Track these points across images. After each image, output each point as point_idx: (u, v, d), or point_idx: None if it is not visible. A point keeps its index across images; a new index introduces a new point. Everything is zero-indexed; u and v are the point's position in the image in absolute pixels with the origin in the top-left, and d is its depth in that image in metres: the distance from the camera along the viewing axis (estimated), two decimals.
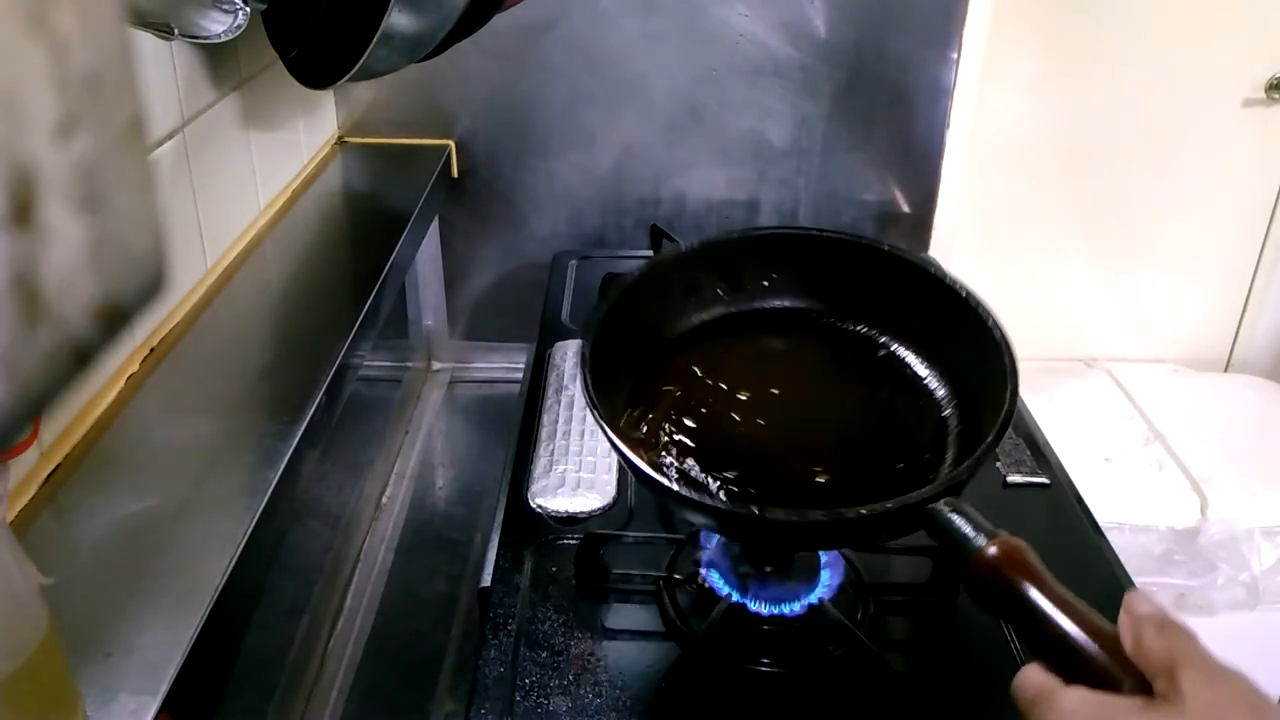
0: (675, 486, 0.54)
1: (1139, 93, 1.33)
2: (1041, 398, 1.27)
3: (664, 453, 0.61)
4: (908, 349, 0.66)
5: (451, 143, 1.19)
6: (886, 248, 0.67)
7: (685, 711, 0.60)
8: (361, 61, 0.71)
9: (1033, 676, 0.43)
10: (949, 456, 0.59)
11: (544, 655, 0.63)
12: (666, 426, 0.62)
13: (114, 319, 0.20)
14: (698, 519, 0.59)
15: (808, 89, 1.17)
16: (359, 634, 0.90)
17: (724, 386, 0.65)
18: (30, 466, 0.59)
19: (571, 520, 0.74)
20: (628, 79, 1.16)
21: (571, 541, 0.71)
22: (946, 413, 0.62)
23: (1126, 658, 0.42)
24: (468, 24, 0.77)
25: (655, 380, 0.65)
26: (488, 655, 0.62)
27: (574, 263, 1.15)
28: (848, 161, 1.21)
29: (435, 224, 1.22)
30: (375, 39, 0.69)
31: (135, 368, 0.71)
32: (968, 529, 0.48)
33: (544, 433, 0.82)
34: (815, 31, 1.14)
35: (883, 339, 0.67)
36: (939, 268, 0.65)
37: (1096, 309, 1.47)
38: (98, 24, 0.18)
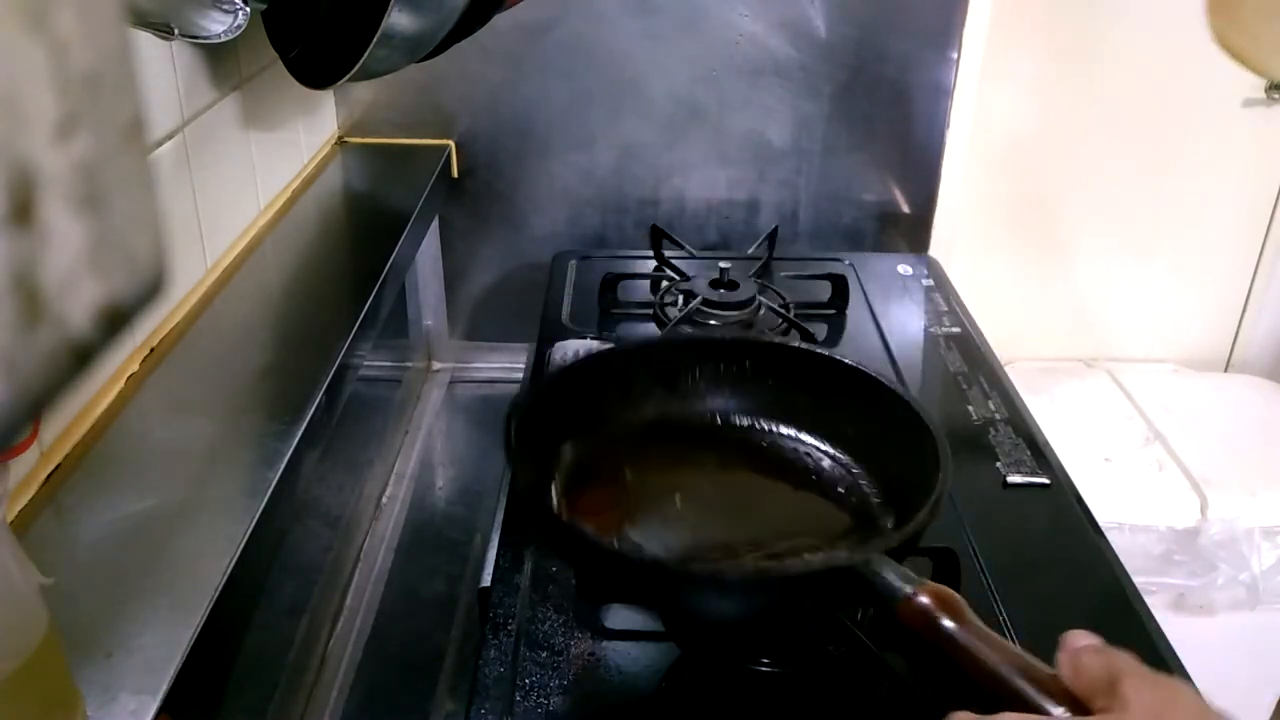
0: (595, 539, 0.54)
1: (1139, 93, 1.33)
2: (1041, 398, 1.27)
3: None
4: (837, 448, 0.66)
5: (451, 143, 1.19)
6: (820, 353, 0.68)
7: (685, 711, 0.60)
8: (361, 61, 0.71)
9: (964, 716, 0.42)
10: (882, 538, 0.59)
11: (544, 655, 0.63)
12: (591, 522, 0.61)
13: (114, 319, 0.20)
14: (616, 583, 0.58)
15: (808, 89, 1.17)
16: (359, 634, 0.90)
17: (652, 484, 0.64)
18: (30, 466, 0.59)
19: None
20: (628, 79, 1.16)
21: None
22: (876, 502, 0.63)
23: (1061, 689, 0.41)
24: (468, 24, 0.77)
25: (582, 475, 0.64)
26: (488, 655, 0.62)
27: (574, 263, 1.15)
28: (848, 161, 1.21)
29: (435, 224, 1.22)
30: (375, 39, 0.69)
31: (135, 368, 0.71)
32: (896, 580, 0.48)
33: None
34: (815, 31, 1.14)
35: (810, 438, 0.67)
36: (868, 368, 0.66)
37: (1096, 309, 1.47)
38: (98, 24, 0.18)
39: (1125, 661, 0.41)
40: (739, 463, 0.67)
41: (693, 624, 0.59)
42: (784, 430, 0.68)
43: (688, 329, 0.96)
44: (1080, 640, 0.43)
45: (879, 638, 0.63)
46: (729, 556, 0.59)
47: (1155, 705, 0.38)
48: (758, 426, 0.68)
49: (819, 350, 0.69)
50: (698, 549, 0.60)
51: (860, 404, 0.65)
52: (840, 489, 0.64)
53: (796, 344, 0.70)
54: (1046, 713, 0.41)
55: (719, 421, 0.68)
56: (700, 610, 0.57)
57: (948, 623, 0.45)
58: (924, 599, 0.46)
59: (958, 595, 0.47)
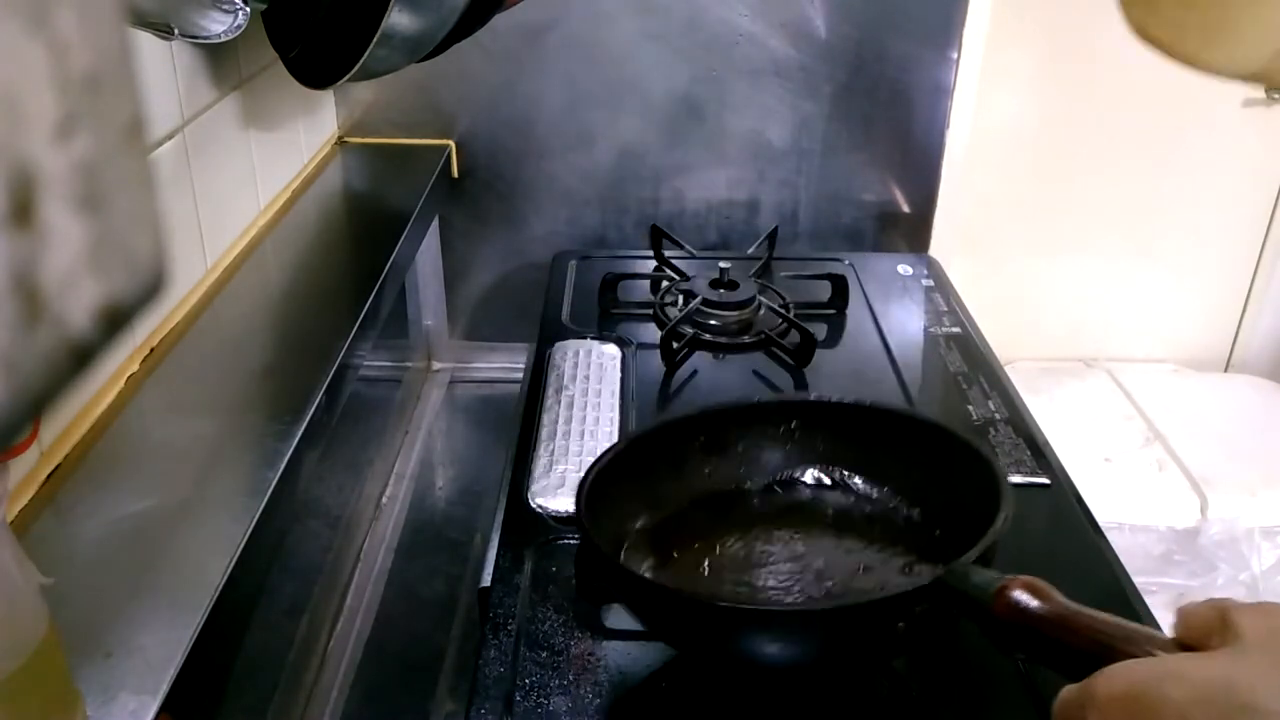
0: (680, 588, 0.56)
1: (1139, 92, 1.33)
2: (1041, 398, 1.28)
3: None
4: (890, 490, 0.68)
5: (451, 143, 1.19)
6: (873, 406, 0.70)
7: (685, 711, 0.60)
8: (361, 61, 0.71)
9: (1068, 689, 0.42)
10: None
11: (544, 655, 0.63)
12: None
13: (114, 319, 0.20)
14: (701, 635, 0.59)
15: (808, 89, 1.17)
16: (359, 634, 0.90)
17: (717, 552, 0.66)
18: (30, 466, 0.59)
19: (571, 520, 0.74)
20: (628, 79, 1.16)
21: (571, 541, 0.71)
22: (937, 534, 0.65)
23: (1170, 642, 0.41)
24: (468, 24, 0.77)
25: (646, 543, 0.66)
26: (488, 655, 0.62)
27: (574, 263, 1.15)
28: (848, 161, 1.21)
29: (435, 224, 1.22)
30: (375, 39, 0.69)
31: (135, 368, 0.71)
32: (984, 580, 0.49)
33: (544, 433, 0.82)
34: (815, 31, 1.14)
35: (862, 483, 0.70)
36: (920, 414, 0.69)
37: (1096, 309, 1.47)
38: (98, 24, 0.18)
39: (1235, 603, 0.39)
40: (801, 520, 0.68)
41: (777, 667, 0.59)
42: (838, 479, 0.70)
43: (688, 328, 0.96)
44: (1190, 605, 0.42)
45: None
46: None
47: (1274, 632, 0.37)
48: (812, 480, 0.71)
49: (867, 403, 0.70)
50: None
51: (910, 446, 0.67)
52: (899, 528, 0.66)
53: (838, 399, 0.72)
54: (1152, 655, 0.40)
55: (776, 480, 0.71)
56: (793, 648, 0.58)
57: (1041, 604, 0.46)
58: (1015, 590, 0.47)
59: (1043, 581, 0.47)
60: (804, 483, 0.71)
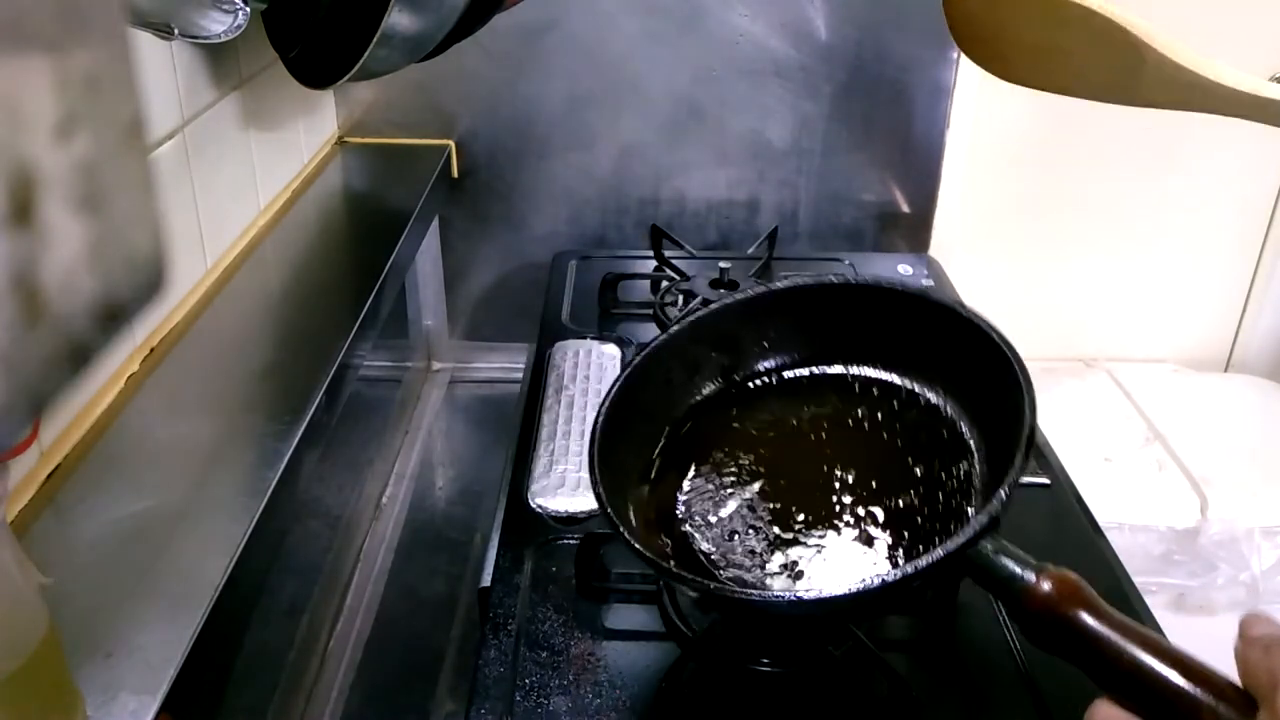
0: (710, 585, 0.52)
1: None
2: (1041, 398, 1.27)
3: (684, 536, 0.58)
4: (918, 382, 0.62)
5: (451, 143, 1.19)
6: (883, 284, 0.64)
7: (685, 711, 0.60)
8: (361, 61, 0.71)
9: (1105, 712, 0.40)
10: (974, 497, 0.56)
11: (544, 655, 0.63)
12: (680, 509, 0.60)
13: (114, 319, 0.20)
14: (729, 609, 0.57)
15: (808, 89, 1.17)
16: (359, 634, 0.90)
17: (736, 459, 0.63)
18: (30, 466, 0.59)
19: (571, 520, 0.74)
20: (628, 79, 1.16)
21: (571, 541, 0.71)
22: (966, 439, 0.59)
23: (1211, 682, 0.39)
24: (468, 24, 0.77)
25: (666, 461, 0.63)
26: (488, 655, 0.62)
27: (574, 263, 1.15)
28: (848, 161, 1.21)
29: (435, 224, 1.22)
30: (375, 39, 0.69)
31: (135, 368, 0.71)
32: (1015, 567, 0.45)
33: (544, 433, 0.82)
34: (815, 31, 1.14)
35: (889, 377, 0.64)
36: (943, 296, 0.62)
37: (1096, 309, 1.47)
38: (98, 24, 0.18)
39: None
40: (818, 415, 0.63)
41: (795, 624, 0.57)
42: (856, 371, 0.64)
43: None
44: (1256, 629, 0.39)
45: (879, 638, 0.63)
46: (824, 521, 0.57)
47: None
48: (830, 372, 0.65)
49: (884, 283, 0.64)
50: (791, 517, 0.58)
51: (932, 332, 0.61)
52: (921, 422, 0.60)
53: (846, 279, 0.66)
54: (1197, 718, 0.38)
55: (790, 374, 0.66)
56: (807, 618, 0.55)
57: (1080, 613, 0.43)
58: (1047, 585, 0.44)
59: (1080, 580, 0.45)
60: (822, 376, 0.65)
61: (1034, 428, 0.51)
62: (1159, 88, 0.47)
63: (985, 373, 0.56)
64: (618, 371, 0.91)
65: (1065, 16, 0.46)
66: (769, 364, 0.66)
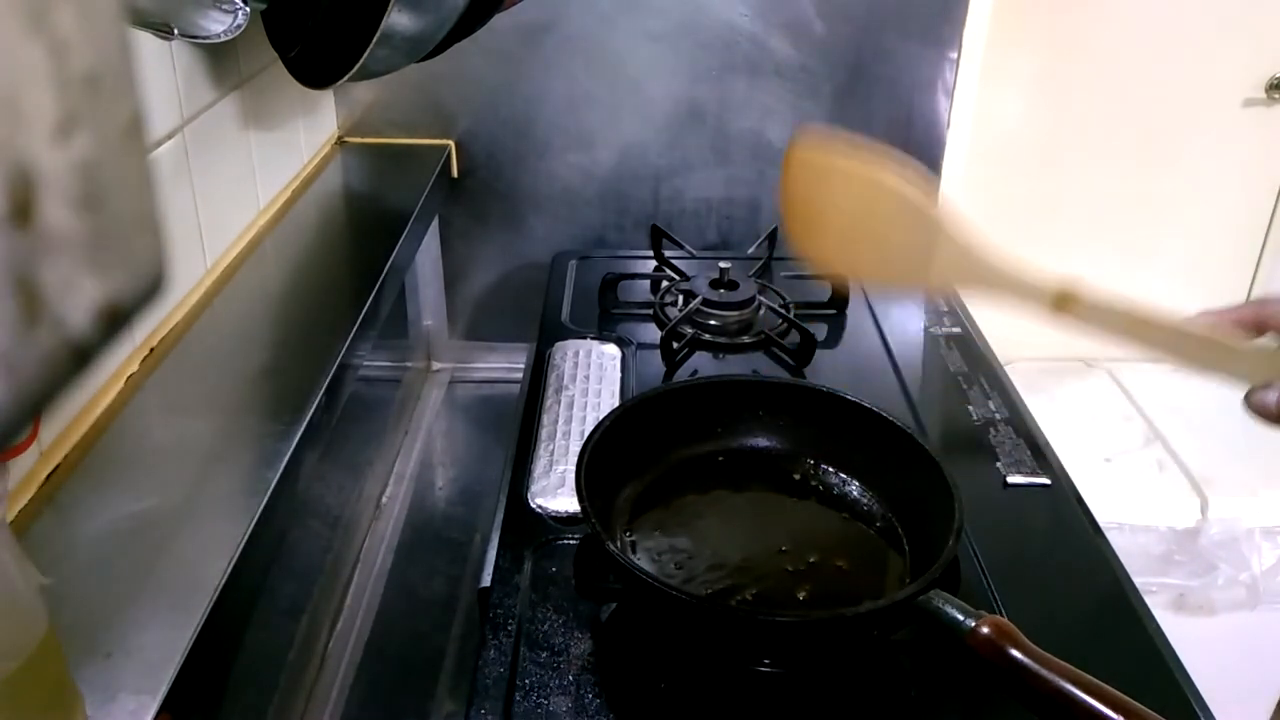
0: (671, 585, 0.61)
1: (1139, 92, 1.32)
2: (1041, 398, 1.27)
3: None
4: (864, 486, 0.73)
5: (451, 143, 1.19)
6: (849, 399, 0.74)
7: (685, 711, 0.60)
8: (361, 61, 0.71)
9: None
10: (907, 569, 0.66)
11: (544, 655, 0.63)
12: (652, 549, 0.68)
13: (114, 319, 0.20)
14: (683, 625, 0.62)
15: (808, 89, 1.17)
16: (359, 634, 0.90)
17: (705, 518, 0.71)
18: (30, 466, 0.59)
19: (571, 520, 0.74)
20: (628, 79, 1.16)
21: (571, 541, 0.71)
22: (893, 519, 0.70)
23: (1127, 708, 0.47)
24: (468, 24, 0.77)
25: (642, 505, 0.71)
26: (488, 655, 0.62)
27: (574, 263, 1.15)
28: None
29: (435, 224, 1.22)
30: (375, 39, 0.69)
31: (135, 368, 0.71)
32: (957, 614, 0.55)
33: (544, 433, 0.82)
34: (815, 31, 1.14)
35: (842, 476, 0.74)
36: (882, 410, 0.72)
37: None
38: (98, 24, 0.18)
39: None
40: (781, 490, 0.74)
41: (757, 659, 0.63)
42: (823, 466, 0.75)
43: (688, 328, 0.96)
44: None
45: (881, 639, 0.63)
46: (768, 568, 0.66)
47: None
48: (799, 461, 0.75)
49: (849, 397, 0.75)
50: (744, 561, 0.67)
51: (880, 445, 0.72)
52: (864, 511, 0.72)
53: (833, 391, 0.76)
54: None
55: (765, 455, 0.76)
56: (766, 649, 0.62)
57: (1013, 651, 0.52)
58: (986, 629, 0.53)
59: (1011, 624, 0.54)
60: (791, 461, 0.75)
61: (961, 523, 0.61)
62: (951, 269, 0.56)
63: (920, 478, 0.68)
64: (618, 372, 0.91)
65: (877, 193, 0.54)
66: (745, 442, 0.76)
